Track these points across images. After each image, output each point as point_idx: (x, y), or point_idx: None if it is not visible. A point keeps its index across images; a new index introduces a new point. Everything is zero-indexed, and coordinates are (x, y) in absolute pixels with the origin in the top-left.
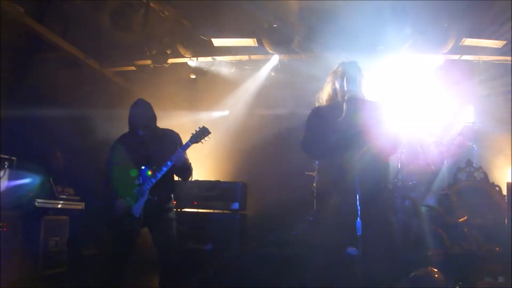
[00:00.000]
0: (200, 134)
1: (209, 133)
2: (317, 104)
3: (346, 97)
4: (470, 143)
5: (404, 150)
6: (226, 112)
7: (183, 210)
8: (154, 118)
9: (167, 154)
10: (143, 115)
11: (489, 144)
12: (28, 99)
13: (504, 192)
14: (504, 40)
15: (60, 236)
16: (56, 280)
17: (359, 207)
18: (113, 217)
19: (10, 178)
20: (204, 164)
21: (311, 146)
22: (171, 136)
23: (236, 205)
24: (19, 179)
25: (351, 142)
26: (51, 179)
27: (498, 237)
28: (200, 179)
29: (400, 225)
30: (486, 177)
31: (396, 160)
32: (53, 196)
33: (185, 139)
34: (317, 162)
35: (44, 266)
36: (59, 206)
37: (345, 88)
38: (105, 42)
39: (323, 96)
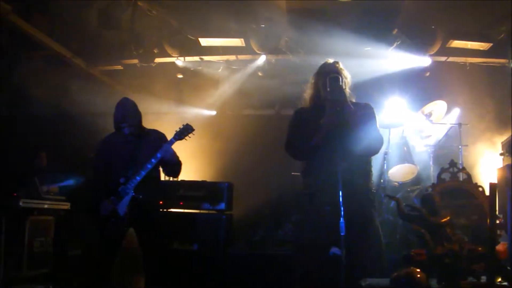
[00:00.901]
0: (184, 131)
1: (192, 130)
2: (300, 106)
3: (329, 98)
4: (456, 144)
5: (389, 151)
6: (213, 112)
7: (169, 210)
8: (139, 116)
9: (153, 153)
10: (128, 114)
11: (475, 146)
12: (14, 97)
13: (488, 192)
14: (490, 42)
15: (45, 237)
16: (41, 280)
17: (342, 207)
18: (99, 217)
19: None
20: (190, 164)
21: (294, 147)
22: (157, 136)
23: (222, 205)
24: None
25: (333, 142)
26: (36, 179)
27: (481, 237)
28: (186, 179)
29: (386, 225)
30: (469, 177)
31: (381, 161)
32: (38, 196)
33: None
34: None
35: (29, 267)
36: (45, 206)
37: (328, 89)
38: (92, 41)
39: (307, 97)
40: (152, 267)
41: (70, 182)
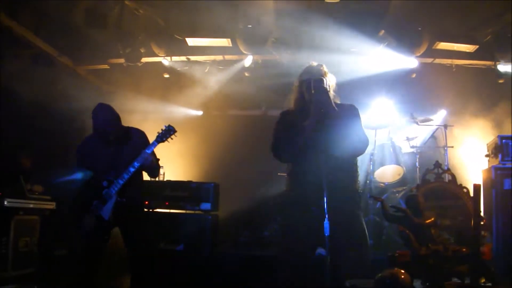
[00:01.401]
0: (166, 133)
1: (174, 131)
2: (285, 108)
3: (313, 100)
4: (442, 146)
5: (376, 152)
6: (199, 112)
7: (154, 210)
8: (118, 119)
9: (135, 154)
10: (108, 120)
11: (461, 147)
12: None
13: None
14: (476, 44)
15: (31, 236)
16: (26, 280)
17: (326, 208)
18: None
19: None
20: (176, 164)
21: (279, 150)
22: (138, 135)
23: (208, 206)
24: None
25: (318, 144)
26: (21, 178)
27: (466, 238)
28: (172, 179)
29: (372, 226)
30: (454, 178)
31: (368, 162)
32: (24, 196)
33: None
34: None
35: (14, 267)
36: (31, 206)
37: (312, 91)
38: (78, 39)
39: (292, 100)
40: (138, 267)
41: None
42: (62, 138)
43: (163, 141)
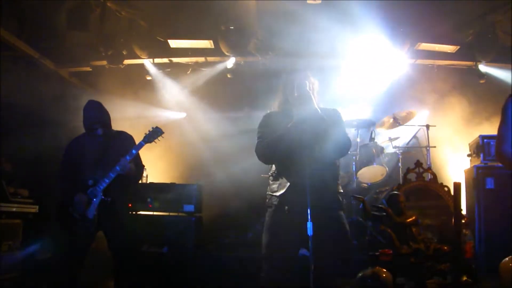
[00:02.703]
0: (153, 134)
1: (162, 133)
2: (269, 111)
3: (296, 103)
4: (424, 146)
5: (358, 152)
6: (183, 114)
7: (138, 212)
8: (109, 116)
9: (122, 154)
10: (99, 114)
11: (443, 147)
12: None
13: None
14: (458, 45)
15: (13, 240)
16: (9, 285)
17: (310, 209)
18: (67, 220)
19: None
20: (160, 166)
21: (263, 151)
22: (126, 136)
23: (191, 207)
24: None
25: (300, 146)
26: (3, 182)
27: (447, 236)
28: (155, 181)
29: (355, 226)
30: (435, 177)
31: (351, 162)
32: (6, 200)
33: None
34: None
35: None
36: (13, 209)
37: (296, 94)
38: (60, 41)
39: (276, 104)
40: (122, 270)
41: None
42: (43, 140)
43: (150, 142)
